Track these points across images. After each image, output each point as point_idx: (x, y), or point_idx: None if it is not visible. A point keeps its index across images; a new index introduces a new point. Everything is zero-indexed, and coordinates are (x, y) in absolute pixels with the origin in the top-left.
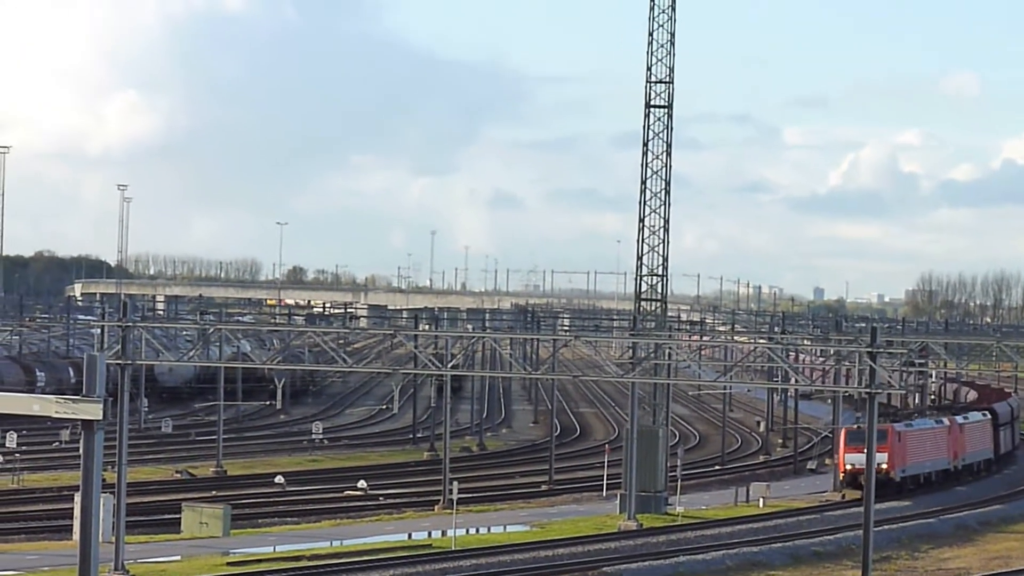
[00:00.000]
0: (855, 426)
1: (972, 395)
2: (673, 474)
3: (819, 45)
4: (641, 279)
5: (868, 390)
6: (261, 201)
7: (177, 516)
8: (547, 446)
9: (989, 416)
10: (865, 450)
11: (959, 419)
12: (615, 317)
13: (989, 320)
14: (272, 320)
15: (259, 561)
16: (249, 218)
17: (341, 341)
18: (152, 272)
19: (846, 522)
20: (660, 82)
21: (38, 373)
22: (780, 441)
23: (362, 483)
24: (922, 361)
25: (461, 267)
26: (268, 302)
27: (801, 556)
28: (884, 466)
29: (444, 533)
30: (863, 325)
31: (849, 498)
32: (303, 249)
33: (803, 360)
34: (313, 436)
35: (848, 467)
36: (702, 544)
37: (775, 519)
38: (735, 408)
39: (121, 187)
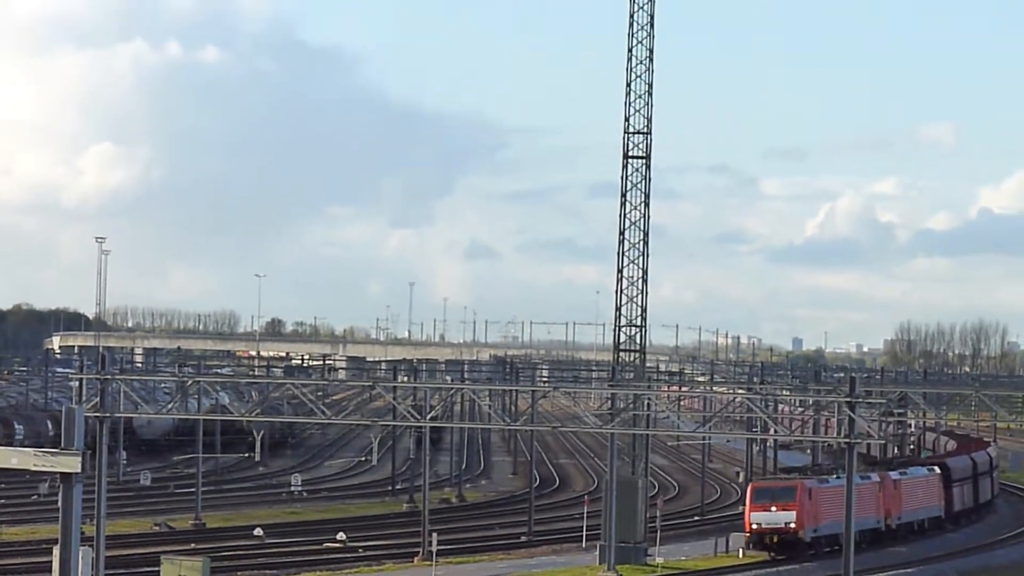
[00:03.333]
0: (762, 482)
1: (951, 445)
2: (652, 525)
3: (796, 96)
4: (620, 330)
5: (847, 440)
6: (239, 253)
7: (156, 569)
8: (526, 497)
9: (939, 471)
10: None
11: (894, 475)
12: (594, 368)
13: (968, 370)
14: (251, 372)
15: None
16: (227, 270)
17: (320, 393)
18: (130, 324)
19: (825, 572)
20: (638, 132)
21: (16, 426)
22: None
23: (341, 535)
24: (901, 411)
25: (439, 318)
26: (239, 353)
27: None
28: (792, 525)
29: None
30: (842, 375)
31: (749, 560)
32: (281, 301)
33: (782, 410)
34: (292, 488)
35: (754, 526)
36: None
37: (754, 569)
38: (714, 459)
39: (99, 239)
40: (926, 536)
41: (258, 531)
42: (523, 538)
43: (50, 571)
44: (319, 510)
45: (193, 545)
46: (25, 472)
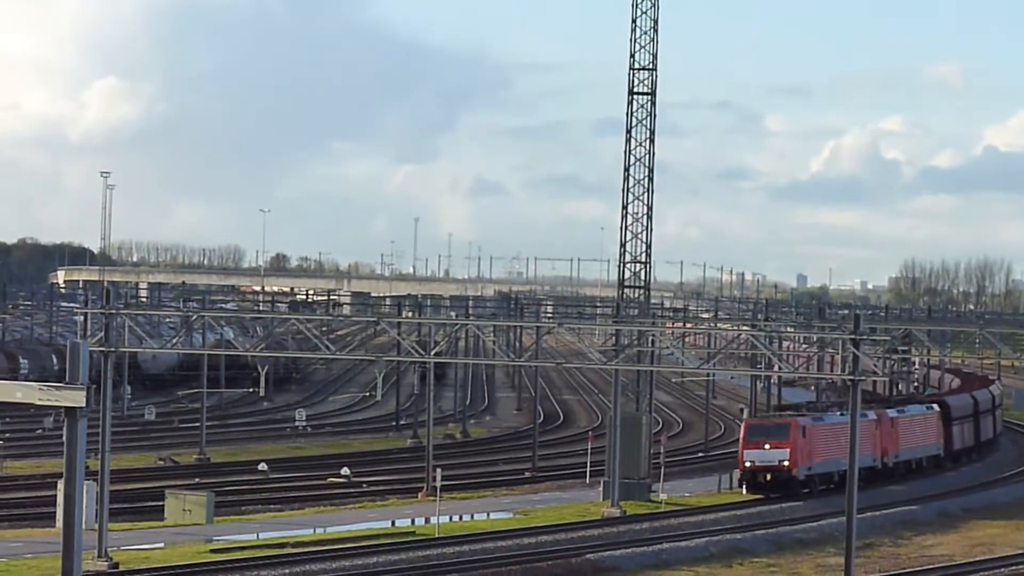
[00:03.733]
0: (756, 419)
1: (956, 383)
2: (656, 461)
3: (802, 33)
4: (624, 266)
5: (851, 377)
6: (244, 188)
7: (160, 503)
8: (530, 433)
9: (938, 409)
10: (849, 442)
11: (891, 412)
12: (598, 304)
13: (972, 307)
14: (255, 308)
15: (243, 548)
16: (232, 205)
17: (324, 328)
18: (135, 259)
19: (825, 509)
20: (643, 69)
21: (21, 360)
22: None
23: (345, 470)
24: (905, 348)
25: (444, 254)
26: (243, 288)
27: (784, 543)
28: (786, 463)
29: (427, 520)
30: (846, 312)
31: (746, 499)
32: (286, 236)
33: (786, 347)
34: (296, 423)
35: (748, 464)
36: (685, 531)
37: (758, 506)
38: (718, 395)
39: (104, 174)
40: (925, 475)
41: (262, 466)
42: (527, 474)
43: (55, 505)
44: (323, 445)
45: (197, 480)
46: (30, 406)
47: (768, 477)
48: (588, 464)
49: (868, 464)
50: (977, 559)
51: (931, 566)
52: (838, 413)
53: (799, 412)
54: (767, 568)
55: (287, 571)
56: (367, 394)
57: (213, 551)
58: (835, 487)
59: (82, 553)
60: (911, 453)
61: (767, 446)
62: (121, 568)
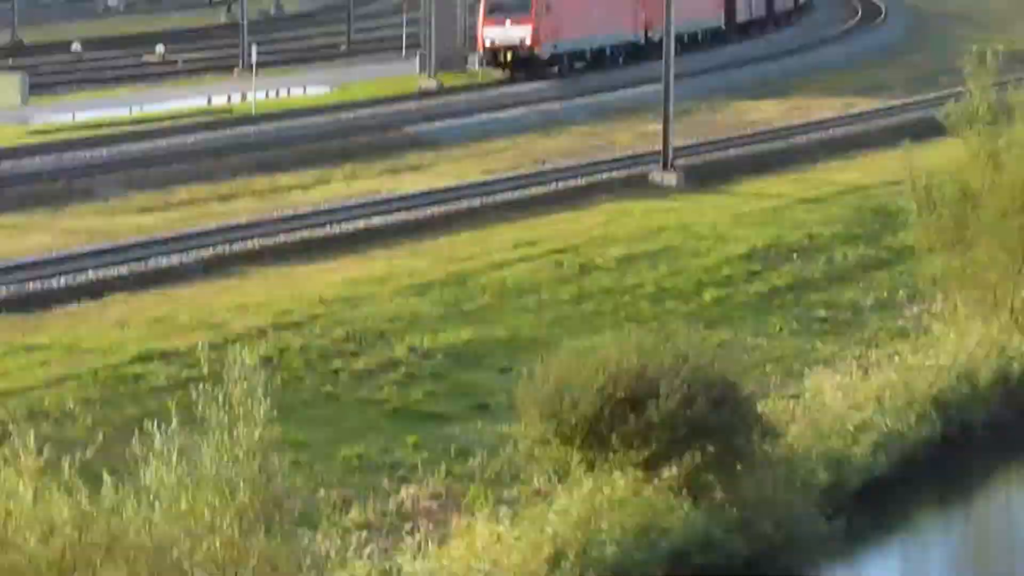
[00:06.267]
0: None
1: None
2: (474, 33)
3: None
4: None
5: None
6: None
7: None
8: (345, 5)
9: None
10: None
11: None
12: None
13: None
14: None
15: (60, 130)
16: None
17: None
18: None
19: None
20: None
21: None
22: None
23: (160, 48)
24: None
25: None
26: None
27: (604, 112)
28: (528, 42)
29: (244, 97)
30: None
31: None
32: None
33: None
34: (109, 3)
35: (488, 43)
36: (504, 102)
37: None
38: None
39: None
40: (704, 49)
41: (76, 46)
42: (342, 48)
43: None
44: (136, 22)
45: (11, 60)
46: None
47: (507, 56)
48: (404, 37)
49: (627, 39)
50: (793, 122)
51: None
52: None
53: None
54: (586, 136)
55: (104, 151)
56: None
57: (30, 133)
58: (588, 66)
59: None
60: (682, 27)
61: (508, 23)
62: None
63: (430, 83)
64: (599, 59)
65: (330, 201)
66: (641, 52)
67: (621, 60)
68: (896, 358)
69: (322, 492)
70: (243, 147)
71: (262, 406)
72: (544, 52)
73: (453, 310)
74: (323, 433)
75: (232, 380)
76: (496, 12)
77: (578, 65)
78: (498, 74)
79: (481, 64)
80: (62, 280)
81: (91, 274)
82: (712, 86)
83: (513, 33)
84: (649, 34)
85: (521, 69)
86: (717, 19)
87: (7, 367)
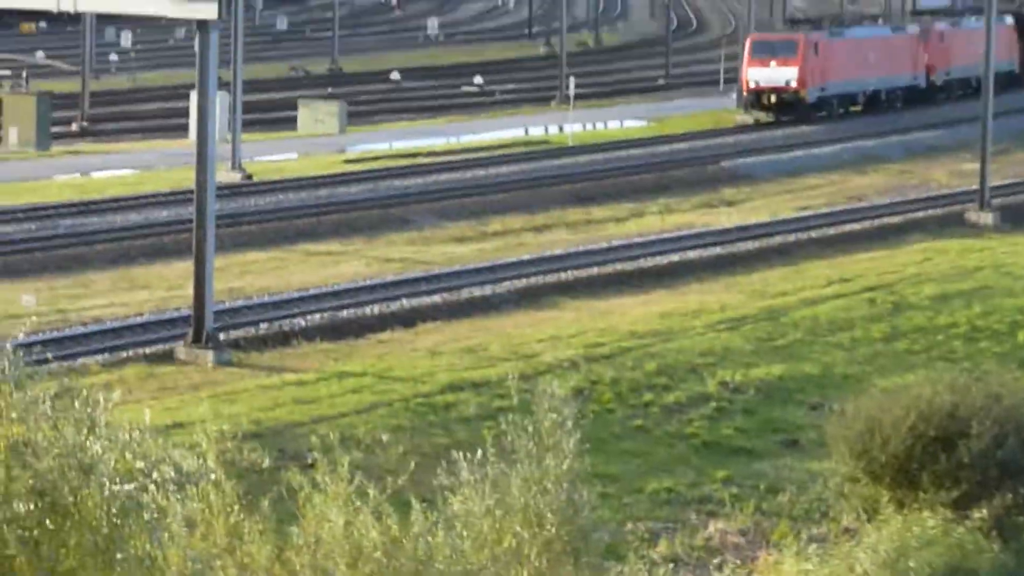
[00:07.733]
0: (761, 34)
1: None
2: None
3: None
4: None
5: None
6: None
7: (293, 114)
8: (663, 40)
9: (1011, 21)
10: (985, 48)
11: (940, 25)
12: None
13: None
14: None
15: (376, 159)
16: None
17: None
18: None
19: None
20: None
21: None
22: None
23: (478, 79)
24: None
25: None
26: None
27: (916, 150)
28: (793, 84)
29: (560, 129)
30: None
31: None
32: None
33: None
34: (428, 32)
35: (752, 84)
36: (819, 138)
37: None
38: None
39: None
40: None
41: (395, 75)
42: (660, 81)
43: (187, 116)
44: (455, 54)
45: (330, 89)
46: (161, 19)
47: (771, 99)
48: (722, 71)
49: (903, 84)
50: None
51: None
52: (879, 27)
53: (816, 25)
54: (900, 174)
55: (420, 180)
56: (499, 3)
57: (346, 161)
58: (865, 109)
59: (216, 164)
60: (971, 71)
61: (773, 64)
62: (255, 179)
63: (746, 118)
64: (874, 102)
65: (643, 234)
66: (922, 95)
67: (899, 104)
68: None
69: (630, 525)
70: (559, 179)
71: (572, 437)
72: (810, 96)
73: (765, 345)
74: (632, 466)
75: (542, 411)
76: (761, 52)
77: (853, 109)
78: (762, 117)
79: (745, 107)
80: (375, 308)
81: (404, 302)
82: (1018, 128)
83: (778, 75)
84: (932, 77)
85: (786, 112)
86: (1011, 63)
87: (320, 394)
